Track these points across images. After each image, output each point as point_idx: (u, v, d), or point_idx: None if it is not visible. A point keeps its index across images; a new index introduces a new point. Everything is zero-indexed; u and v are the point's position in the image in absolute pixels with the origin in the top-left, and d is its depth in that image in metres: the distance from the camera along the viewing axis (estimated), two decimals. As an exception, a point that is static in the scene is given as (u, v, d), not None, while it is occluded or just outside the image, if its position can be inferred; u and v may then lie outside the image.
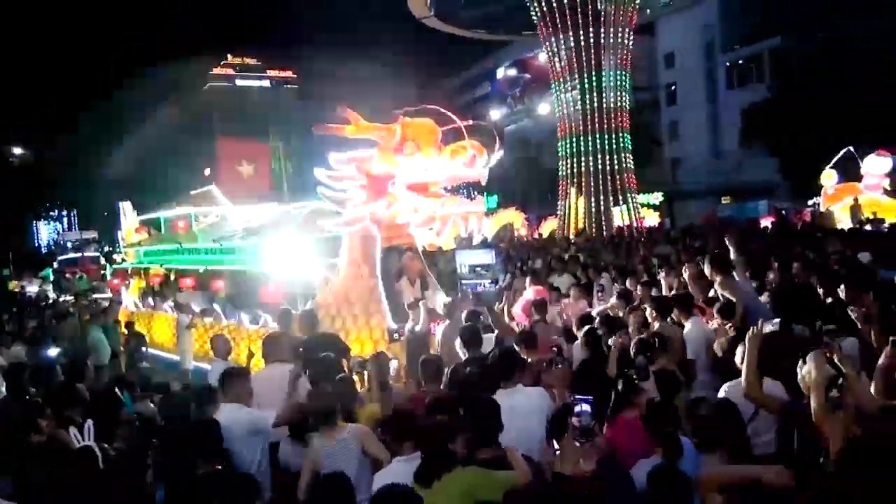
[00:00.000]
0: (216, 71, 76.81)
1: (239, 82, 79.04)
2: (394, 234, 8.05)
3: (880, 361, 3.86)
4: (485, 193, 40.37)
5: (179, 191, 16.59)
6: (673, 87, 49.86)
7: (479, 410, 3.51)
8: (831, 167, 21.24)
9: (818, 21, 34.24)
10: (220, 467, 3.77)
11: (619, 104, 25.70)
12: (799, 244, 12.58)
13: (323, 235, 9.21)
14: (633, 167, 26.25)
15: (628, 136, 26.00)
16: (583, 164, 25.65)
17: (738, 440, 3.22)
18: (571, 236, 23.21)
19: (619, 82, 25.67)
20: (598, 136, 25.36)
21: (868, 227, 16.48)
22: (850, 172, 21.04)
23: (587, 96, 25.36)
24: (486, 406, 3.55)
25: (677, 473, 2.97)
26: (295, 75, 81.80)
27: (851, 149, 21.05)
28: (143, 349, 10.64)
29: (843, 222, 18.75)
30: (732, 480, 2.87)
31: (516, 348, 5.12)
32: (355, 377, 5.49)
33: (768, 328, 4.03)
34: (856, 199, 18.99)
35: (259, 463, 4.39)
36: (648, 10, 33.19)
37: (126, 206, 17.85)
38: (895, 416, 3.17)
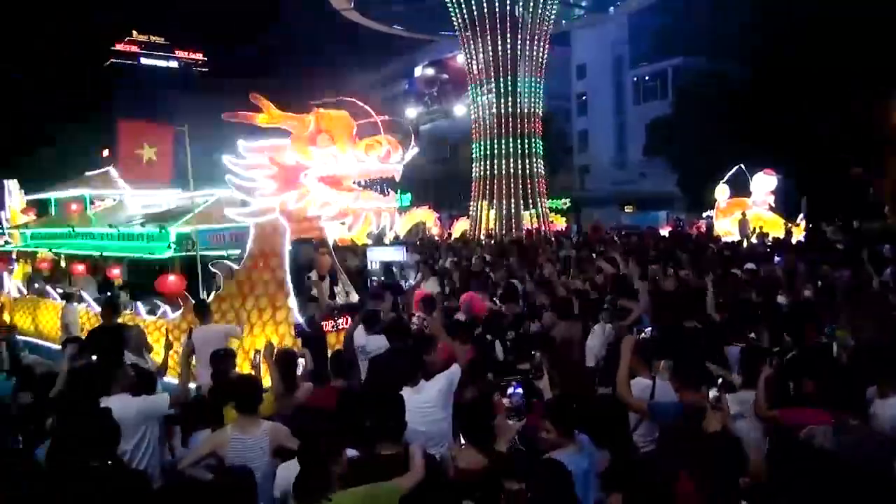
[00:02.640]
0: (119, 47, 72.73)
1: (144, 61, 75.15)
2: (304, 227, 7.90)
3: (763, 372, 4.18)
4: (398, 191, 40.43)
5: (73, 171, 15.55)
6: (584, 98, 51.71)
7: (384, 406, 3.51)
8: (725, 182, 22.63)
9: (718, 43, 36.39)
10: (110, 462, 3.58)
11: (532, 110, 26.38)
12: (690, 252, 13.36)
13: (229, 225, 8.93)
14: (543, 172, 27.02)
15: (540, 142, 26.74)
16: (495, 166, 26.17)
17: (621, 439, 3.38)
18: (482, 238, 23.64)
19: (533, 89, 26.37)
20: (511, 139, 25.95)
21: (754, 240, 17.68)
22: (740, 188, 22.50)
23: (502, 100, 25.90)
24: (392, 401, 3.56)
25: (557, 466, 3.05)
26: (205, 58, 78.68)
27: (742, 166, 22.52)
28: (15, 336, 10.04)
29: (733, 235, 20.04)
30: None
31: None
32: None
33: (643, 335, 4.31)
34: (743, 214, 20.32)
35: (149, 449, 4.27)
36: (564, 22, 34.24)
37: (12, 185, 16.61)
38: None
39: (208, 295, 8.28)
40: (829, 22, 27.87)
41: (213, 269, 8.00)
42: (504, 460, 3.17)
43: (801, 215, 21.24)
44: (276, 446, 3.89)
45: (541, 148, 26.77)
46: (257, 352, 5.40)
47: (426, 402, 4.15)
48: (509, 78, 25.69)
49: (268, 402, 4.52)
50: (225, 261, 8.20)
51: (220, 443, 3.89)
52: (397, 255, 14.03)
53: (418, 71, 57.02)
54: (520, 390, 3.00)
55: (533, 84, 26.39)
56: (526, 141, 26.12)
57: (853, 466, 2.81)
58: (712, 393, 3.75)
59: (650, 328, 4.70)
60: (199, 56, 79.65)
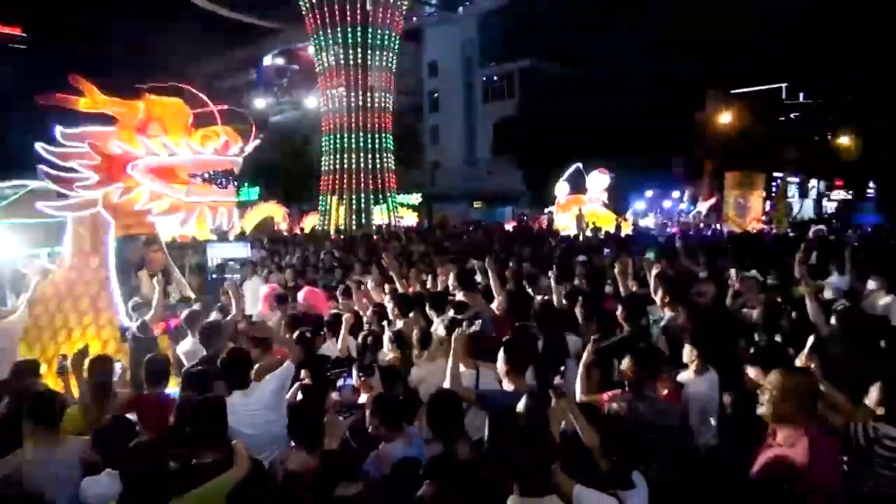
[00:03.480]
0: (-87, 15, 63.34)
1: (-54, 33, 66.07)
2: (132, 222, 7.34)
3: (584, 359, 4.49)
4: (246, 184, 38.79)
5: None
6: (436, 95, 52.60)
7: (203, 412, 3.34)
8: (564, 180, 24.07)
9: (563, 47, 38.70)
10: None
11: (383, 105, 26.41)
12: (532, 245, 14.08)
13: (43, 220, 8.09)
14: (394, 167, 27.16)
15: (391, 137, 26.86)
16: (345, 161, 25.92)
17: (452, 432, 3.48)
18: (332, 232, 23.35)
19: (384, 84, 26.33)
20: (361, 134, 25.81)
21: (588, 234, 18.96)
22: (578, 185, 24.05)
23: (353, 94, 25.69)
24: (211, 407, 3.40)
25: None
26: (24, 34, 70.64)
27: (580, 165, 24.08)
28: None
29: (571, 229, 21.38)
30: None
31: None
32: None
33: (473, 328, 4.51)
34: (580, 210, 21.74)
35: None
36: (415, 18, 34.62)
37: None
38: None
39: (17, 298, 7.46)
40: (656, 32, 30.57)
41: (23, 270, 7.22)
42: (335, 460, 3.14)
43: (629, 211, 23.10)
44: (88, 462, 3.58)
45: (391, 143, 26.90)
46: (63, 356, 4.89)
47: (256, 405, 4.02)
48: (360, 72, 25.54)
49: (73, 416, 4.14)
50: (37, 260, 7.42)
51: (17, 466, 3.51)
52: (241, 251, 13.49)
53: (267, 60, 54.99)
54: (351, 382, 3.00)
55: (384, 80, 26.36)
56: (376, 136, 26.13)
57: (637, 427, 3.13)
58: (557, 380, 3.99)
59: (480, 321, 4.89)
60: (17, 31, 71.41)
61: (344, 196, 25.72)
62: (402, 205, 30.57)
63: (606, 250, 12.53)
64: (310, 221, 27.55)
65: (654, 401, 3.78)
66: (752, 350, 4.51)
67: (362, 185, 25.81)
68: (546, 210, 26.97)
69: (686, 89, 35.66)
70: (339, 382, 3.10)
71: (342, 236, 21.22)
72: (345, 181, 25.84)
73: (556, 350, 5.77)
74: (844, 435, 3.48)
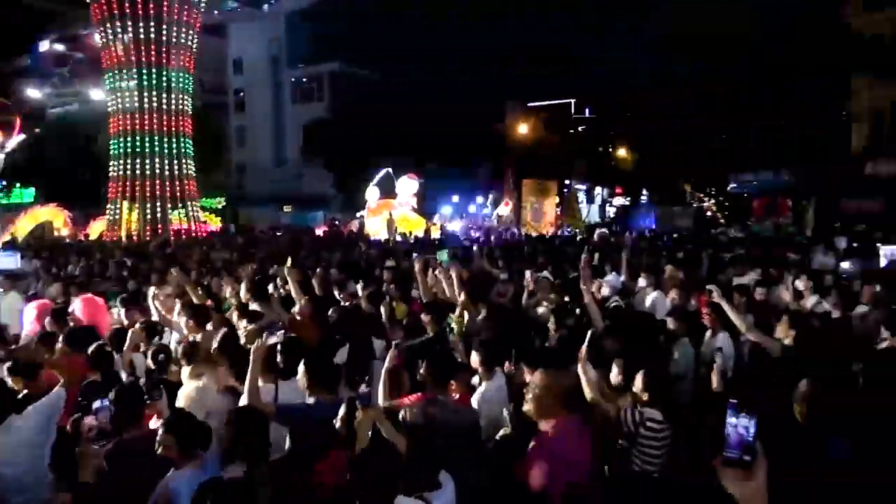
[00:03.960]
0: None
1: None
2: None
3: (386, 364, 4.51)
4: (18, 185, 34.15)
5: None
6: (242, 94, 50.43)
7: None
8: (374, 184, 24.30)
9: (373, 51, 39.03)
10: None
11: (181, 107, 24.17)
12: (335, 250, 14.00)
13: None
14: (193, 173, 24.87)
15: (189, 142, 24.56)
16: (137, 165, 23.29)
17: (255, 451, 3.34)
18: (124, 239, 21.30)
19: (182, 84, 24.09)
20: (156, 137, 23.29)
21: (398, 238, 19.29)
22: (388, 190, 24.41)
23: (145, 94, 23.14)
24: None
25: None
26: None
27: (390, 170, 24.49)
28: None
29: (382, 234, 21.60)
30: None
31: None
32: None
33: (272, 340, 4.39)
34: (390, 214, 22.04)
35: None
36: (217, 12, 32.76)
37: None
38: None
39: None
40: (466, 41, 31.95)
41: None
42: (89, 494, 2.80)
43: (437, 215, 23.89)
44: None
45: (191, 148, 24.65)
46: None
47: (14, 443, 3.51)
48: (153, 70, 22.98)
49: None
50: None
51: None
52: (8, 261, 11.84)
53: (44, 45, 48.87)
54: (107, 404, 2.66)
55: (182, 79, 24.01)
56: (173, 140, 23.68)
57: (430, 432, 3.22)
58: (363, 388, 3.96)
59: (282, 332, 4.74)
60: None
61: (137, 203, 23.18)
62: (205, 208, 28.62)
63: (415, 255, 12.81)
64: (97, 227, 24.83)
65: (445, 405, 3.90)
66: (529, 351, 4.85)
67: (157, 191, 23.37)
68: (357, 214, 27.01)
69: (490, 99, 37.75)
70: (96, 405, 2.74)
71: (137, 244, 19.45)
72: (137, 188, 23.24)
73: (362, 355, 5.78)
74: (616, 420, 3.87)
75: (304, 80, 47.91)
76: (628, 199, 47.43)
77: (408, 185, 23.93)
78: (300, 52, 47.05)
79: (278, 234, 22.48)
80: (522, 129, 37.48)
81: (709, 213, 37.27)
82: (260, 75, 48.48)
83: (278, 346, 4.53)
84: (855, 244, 14.79)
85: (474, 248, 11.37)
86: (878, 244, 13.59)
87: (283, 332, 5.11)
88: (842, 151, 30.63)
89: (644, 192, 46.27)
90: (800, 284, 8.21)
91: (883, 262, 11.17)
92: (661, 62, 34.04)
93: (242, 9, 41.81)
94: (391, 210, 22.61)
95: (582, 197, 44.05)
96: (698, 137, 34.65)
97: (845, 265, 11.73)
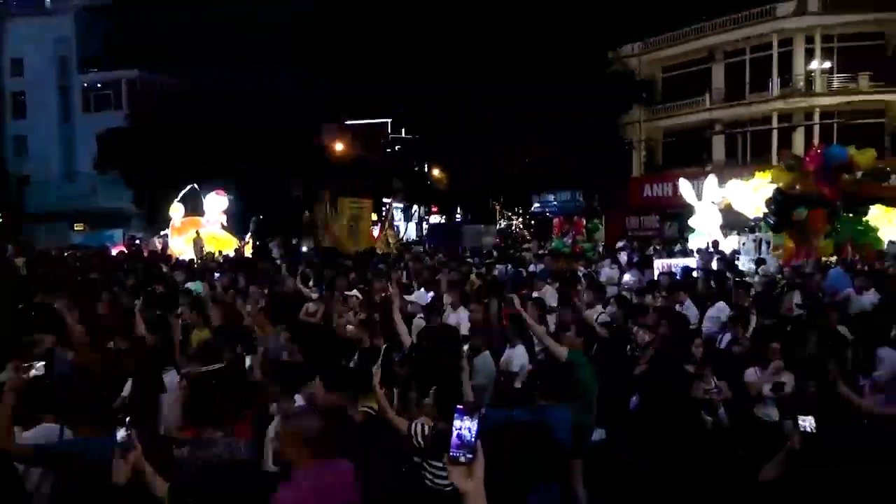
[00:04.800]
0: None
1: None
2: None
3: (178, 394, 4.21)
4: None
5: None
6: (22, 98, 44.89)
7: None
8: (179, 201, 22.73)
9: (175, 58, 36.60)
10: None
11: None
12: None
13: None
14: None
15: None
16: None
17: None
18: None
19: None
20: None
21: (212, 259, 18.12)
22: (195, 207, 22.92)
23: None
24: None
25: None
26: None
27: (196, 186, 23.06)
28: None
29: (188, 254, 20.20)
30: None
31: None
32: None
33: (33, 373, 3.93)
34: (197, 233, 20.73)
35: None
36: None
37: None
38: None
39: None
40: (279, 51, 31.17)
41: None
42: None
43: (248, 234, 22.90)
44: None
45: None
46: None
47: None
48: None
49: None
50: None
51: None
52: None
53: None
54: None
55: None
56: None
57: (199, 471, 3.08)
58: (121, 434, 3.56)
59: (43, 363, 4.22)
60: None
61: None
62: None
63: (217, 275, 12.22)
64: None
65: (211, 443, 3.64)
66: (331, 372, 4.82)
67: None
68: (161, 233, 25.06)
69: (306, 115, 36.96)
70: None
71: None
72: None
73: (151, 387, 5.35)
74: (406, 433, 3.95)
75: (99, 85, 43.82)
76: (443, 217, 49.20)
77: (216, 202, 22.69)
78: (93, 56, 42.96)
79: (66, 254, 20.17)
80: (339, 146, 37.39)
81: (515, 231, 39.83)
82: (44, 78, 43.45)
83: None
84: (635, 258, 16.54)
85: (283, 268, 11.09)
86: (654, 258, 15.38)
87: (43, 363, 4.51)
88: (625, 175, 34.43)
89: (458, 210, 48.29)
90: (587, 296, 9.02)
91: (656, 274, 12.57)
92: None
93: (21, 2, 37.35)
94: (198, 228, 21.29)
95: (400, 215, 44.95)
96: (505, 160, 36.90)
97: (627, 277, 13.07)
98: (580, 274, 12.43)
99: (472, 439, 1.63)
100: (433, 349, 5.57)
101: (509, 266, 14.94)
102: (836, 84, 29.70)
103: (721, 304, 8.72)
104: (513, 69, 33.46)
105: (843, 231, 15.75)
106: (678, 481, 5.11)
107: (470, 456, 1.62)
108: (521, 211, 44.01)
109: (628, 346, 7.39)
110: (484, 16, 35.30)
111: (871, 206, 16.77)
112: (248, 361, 5.55)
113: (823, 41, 29.55)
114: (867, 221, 16.41)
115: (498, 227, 40.93)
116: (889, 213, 18.57)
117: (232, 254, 19.62)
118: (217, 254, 18.62)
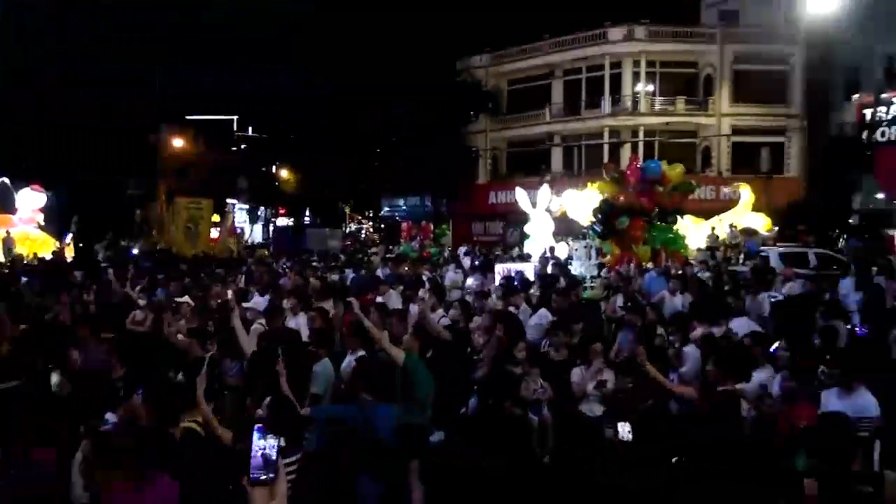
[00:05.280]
0: None
1: None
2: None
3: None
4: None
5: None
6: None
7: None
8: (-14, 197, 20.31)
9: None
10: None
11: None
12: None
13: None
14: None
15: None
16: None
17: None
18: None
19: None
20: None
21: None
22: (7, 204, 20.62)
23: None
24: None
25: None
26: None
27: (6, 180, 20.73)
28: None
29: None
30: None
31: None
32: None
33: None
34: (8, 233, 18.61)
35: None
36: None
37: None
38: None
39: None
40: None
41: None
42: None
43: (69, 234, 20.89)
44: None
45: None
46: None
47: None
48: None
49: None
50: None
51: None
52: None
53: None
54: None
55: None
56: None
57: None
58: None
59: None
60: None
61: None
62: None
63: (24, 279, 11.10)
64: None
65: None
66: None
67: None
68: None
69: (143, 109, 34.28)
70: None
71: None
72: None
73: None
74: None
75: None
76: (291, 219, 47.80)
77: (32, 199, 20.47)
78: None
79: None
80: (178, 143, 35.01)
81: (364, 235, 39.73)
82: None
83: None
84: (477, 262, 17.13)
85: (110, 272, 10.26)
86: (495, 263, 16.00)
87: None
88: (472, 182, 35.48)
89: (307, 212, 47.11)
90: (428, 300, 9.18)
91: (497, 278, 13.07)
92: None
93: None
94: (9, 227, 19.09)
95: (245, 217, 43.10)
96: (354, 163, 36.55)
97: (470, 281, 13.49)
98: (424, 278, 12.66)
99: (274, 458, 1.59)
100: (274, 353, 5.42)
101: (352, 271, 14.91)
102: (657, 106, 32.71)
103: (543, 311, 8.95)
104: (363, 71, 33.34)
105: (657, 239, 17.37)
106: (512, 484, 5.31)
107: (272, 475, 1.59)
108: (370, 215, 43.97)
109: (468, 349, 7.63)
110: (337, 16, 34.87)
111: (682, 217, 18.68)
112: (54, 377, 5.05)
113: (648, 66, 32.41)
114: (677, 230, 18.24)
115: (347, 230, 40.59)
116: (697, 223, 20.83)
117: (49, 256, 17.80)
118: (31, 256, 16.84)
